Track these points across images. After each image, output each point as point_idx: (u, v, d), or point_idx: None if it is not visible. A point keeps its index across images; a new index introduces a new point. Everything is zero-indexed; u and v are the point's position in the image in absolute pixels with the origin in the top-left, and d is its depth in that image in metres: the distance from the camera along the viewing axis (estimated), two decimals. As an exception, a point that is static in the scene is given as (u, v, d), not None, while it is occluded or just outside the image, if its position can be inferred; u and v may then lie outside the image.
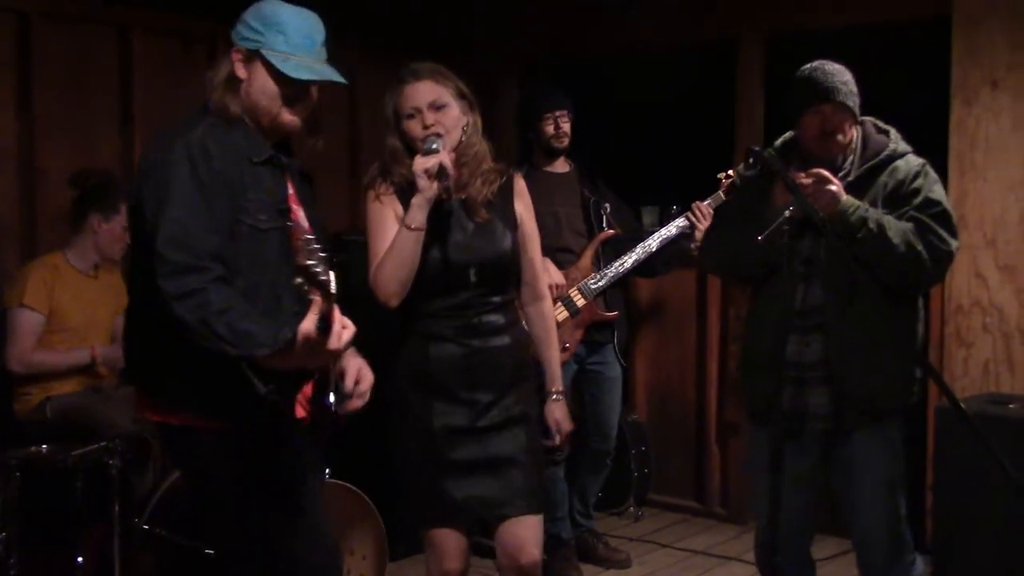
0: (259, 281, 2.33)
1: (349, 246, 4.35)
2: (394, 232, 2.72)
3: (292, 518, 2.45)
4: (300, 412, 2.46)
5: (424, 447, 2.79)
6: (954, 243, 2.86)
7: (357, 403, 2.53)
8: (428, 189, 2.64)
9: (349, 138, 5.44)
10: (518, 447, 2.79)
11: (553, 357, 2.97)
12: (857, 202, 2.83)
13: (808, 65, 2.93)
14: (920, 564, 3.06)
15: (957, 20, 4.18)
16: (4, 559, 3.26)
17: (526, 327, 2.97)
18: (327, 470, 3.62)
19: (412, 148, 2.74)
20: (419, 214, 2.67)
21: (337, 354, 2.21)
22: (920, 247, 2.80)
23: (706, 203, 4.22)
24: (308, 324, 2.10)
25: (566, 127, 4.29)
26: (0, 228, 4.26)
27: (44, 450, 3.36)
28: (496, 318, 2.80)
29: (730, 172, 4.28)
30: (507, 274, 2.84)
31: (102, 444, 3.28)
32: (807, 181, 2.79)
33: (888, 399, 2.94)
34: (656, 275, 4.61)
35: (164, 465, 3.59)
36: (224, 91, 2.39)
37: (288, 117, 2.42)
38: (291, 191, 2.49)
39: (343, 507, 3.60)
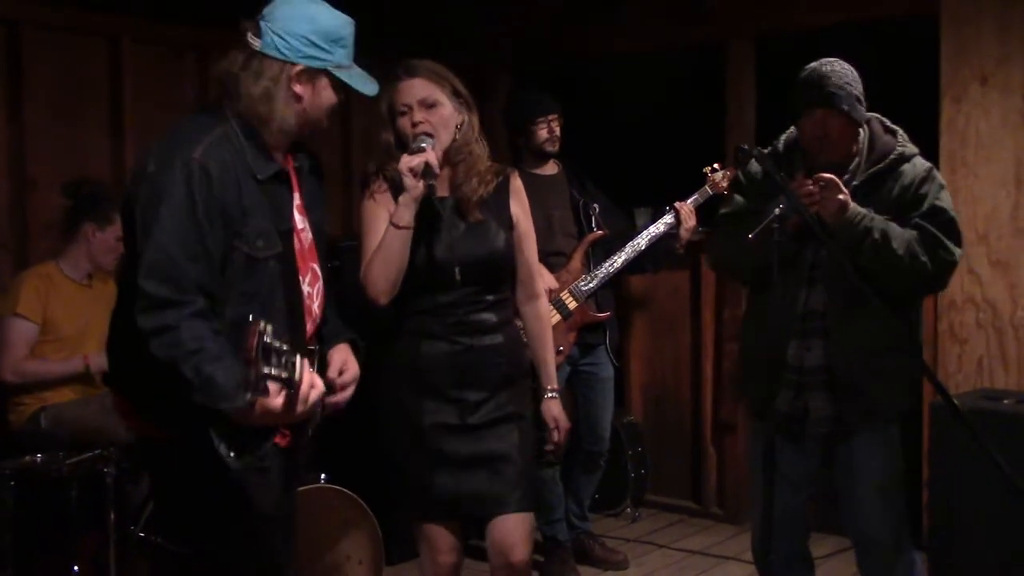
0: (247, 312, 2.17)
1: (343, 252, 4.35)
2: (384, 228, 2.72)
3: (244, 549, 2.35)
4: (280, 440, 2.35)
5: (415, 444, 2.79)
6: (958, 252, 2.86)
7: (339, 397, 2.46)
8: (414, 188, 2.64)
9: (342, 144, 5.45)
10: (510, 445, 2.79)
11: (548, 357, 2.97)
12: (862, 211, 2.81)
13: (812, 64, 2.90)
14: (920, 563, 3.07)
15: (945, 16, 4.19)
16: (0, 569, 3.25)
17: (521, 326, 2.97)
18: (323, 475, 3.62)
19: (405, 144, 2.74)
20: (406, 212, 2.67)
21: (302, 416, 2.15)
22: (924, 257, 2.80)
23: (689, 201, 4.27)
24: (272, 401, 2.06)
25: (558, 130, 4.32)
26: (-8, 238, 4.27)
27: (39, 459, 3.36)
28: (489, 316, 2.80)
29: (715, 165, 4.31)
30: (500, 273, 2.84)
31: (96, 452, 3.28)
32: (814, 188, 2.77)
33: (889, 403, 2.95)
34: (644, 272, 4.63)
35: (138, 461, 3.57)
36: (286, 113, 2.29)
37: (321, 126, 2.40)
38: (298, 201, 2.42)
39: (339, 511, 3.60)
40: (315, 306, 2.44)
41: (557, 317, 4.16)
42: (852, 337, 2.87)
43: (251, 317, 1.92)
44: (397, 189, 2.74)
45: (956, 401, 2.69)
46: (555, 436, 2.95)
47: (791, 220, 2.73)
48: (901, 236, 2.80)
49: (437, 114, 2.74)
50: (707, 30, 5.00)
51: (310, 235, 2.45)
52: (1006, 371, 4.09)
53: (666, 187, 4.77)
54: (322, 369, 2.46)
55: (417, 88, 2.74)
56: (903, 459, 3.04)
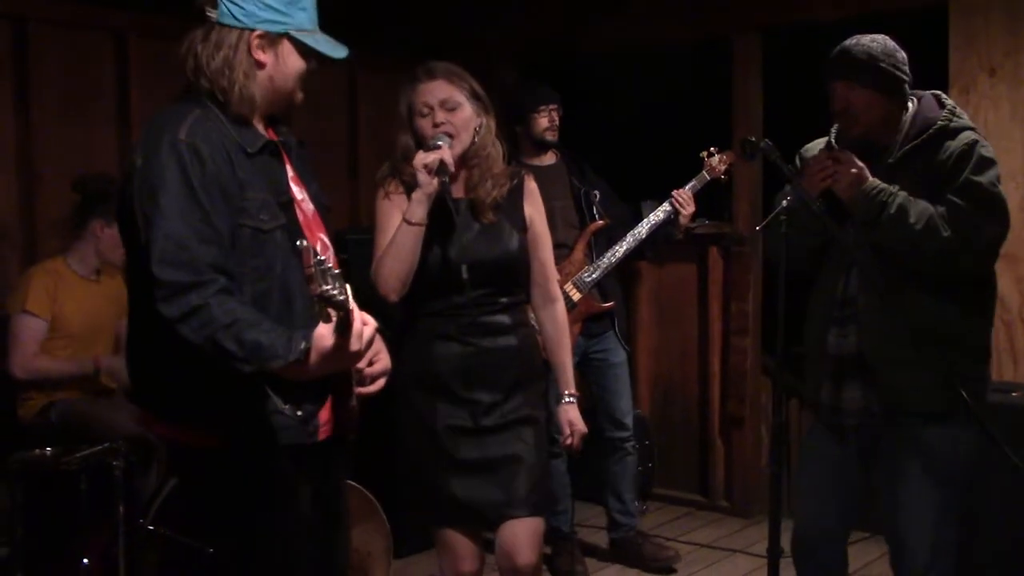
0: (268, 287, 2.17)
1: (350, 245, 4.35)
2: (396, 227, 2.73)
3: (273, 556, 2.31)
4: (324, 432, 2.31)
5: (428, 446, 2.79)
6: (991, 229, 2.64)
7: (371, 388, 2.39)
8: (427, 184, 2.64)
9: (348, 136, 5.46)
10: (521, 449, 2.78)
11: (566, 360, 2.95)
12: (881, 185, 2.70)
13: (849, 39, 2.80)
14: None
15: (953, 8, 4.19)
16: (10, 563, 3.26)
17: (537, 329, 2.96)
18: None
19: (423, 146, 2.74)
20: (419, 209, 2.67)
21: (360, 355, 2.03)
22: (947, 232, 2.62)
23: (687, 188, 4.30)
24: (323, 330, 1.95)
25: (557, 120, 4.33)
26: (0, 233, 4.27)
27: (48, 453, 3.35)
28: (502, 318, 2.79)
29: (712, 149, 4.32)
30: (513, 276, 2.83)
31: (105, 446, 3.27)
32: (827, 163, 2.73)
33: (924, 399, 2.72)
34: (643, 258, 4.63)
35: (168, 465, 3.58)
36: (247, 82, 2.20)
37: (299, 95, 2.32)
38: (291, 173, 2.35)
39: (348, 505, 3.60)
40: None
41: None
42: (884, 324, 2.71)
43: (299, 242, 1.89)
44: (411, 190, 2.73)
45: (964, 394, 2.62)
46: (569, 441, 2.93)
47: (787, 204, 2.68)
48: (923, 211, 2.65)
49: (458, 116, 2.74)
50: (713, 23, 4.99)
51: (311, 206, 2.39)
52: (1015, 364, 4.09)
53: (674, 181, 4.77)
54: None
55: (438, 90, 2.74)
56: (967, 469, 2.79)
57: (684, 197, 4.28)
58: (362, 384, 2.39)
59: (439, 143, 2.67)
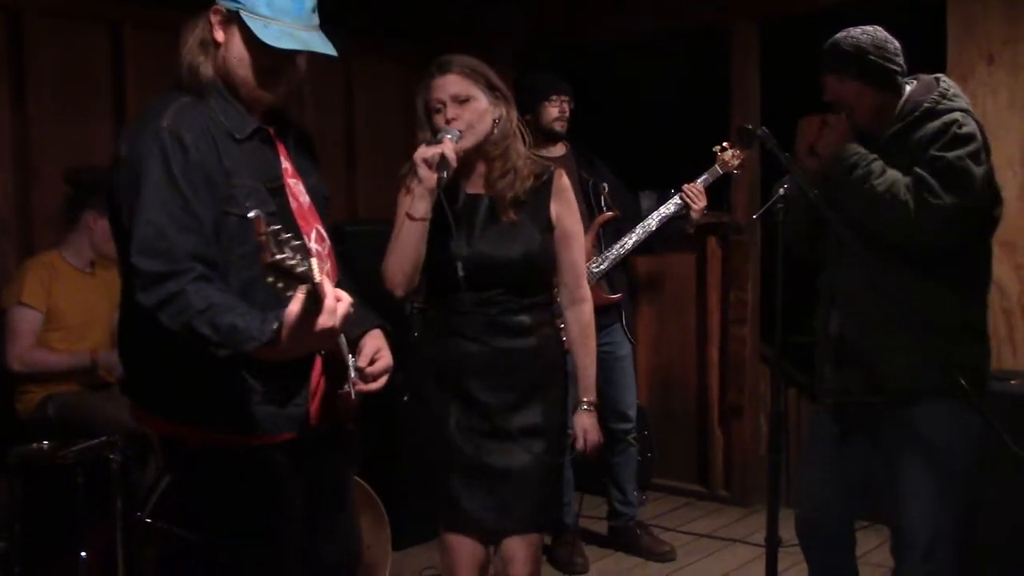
0: (255, 275, 2.11)
1: (348, 236, 4.34)
2: None
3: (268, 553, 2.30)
4: (315, 418, 2.29)
5: (438, 443, 2.74)
6: (949, 198, 2.62)
7: (372, 386, 2.37)
8: (427, 179, 2.59)
9: (345, 127, 5.44)
10: (528, 461, 2.71)
11: (588, 365, 2.87)
12: (859, 150, 2.75)
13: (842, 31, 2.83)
14: (952, 560, 2.84)
15: (951, -4, 4.18)
16: (8, 557, 3.26)
17: (564, 329, 2.90)
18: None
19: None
20: (420, 204, 2.63)
21: (334, 332, 1.95)
22: (906, 197, 2.64)
23: (699, 182, 4.26)
24: (294, 307, 1.88)
25: (568, 111, 4.32)
26: (-4, 227, 4.27)
27: (45, 447, 3.35)
28: (523, 319, 2.73)
29: (724, 144, 4.29)
30: (533, 275, 2.75)
31: (102, 440, 3.27)
32: (817, 123, 2.79)
33: (906, 380, 2.75)
34: (652, 252, 4.61)
35: (163, 461, 3.58)
36: (197, 54, 2.17)
37: (261, 92, 2.21)
38: (286, 164, 2.32)
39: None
40: (326, 266, 2.32)
41: None
42: (862, 306, 2.78)
43: (250, 213, 1.81)
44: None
45: (963, 382, 2.64)
46: (581, 446, 2.85)
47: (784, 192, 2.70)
48: (888, 177, 2.69)
49: (470, 109, 2.69)
50: (711, 13, 4.98)
51: (307, 197, 2.36)
52: (1014, 352, 4.08)
53: (672, 170, 4.76)
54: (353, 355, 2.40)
55: (450, 84, 2.69)
56: (970, 454, 2.78)
57: (695, 191, 4.23)
58: (364, 380, 2.37)
59: (444, 136, 2.63)
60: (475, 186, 2.76)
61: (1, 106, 4.25)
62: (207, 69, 2.19)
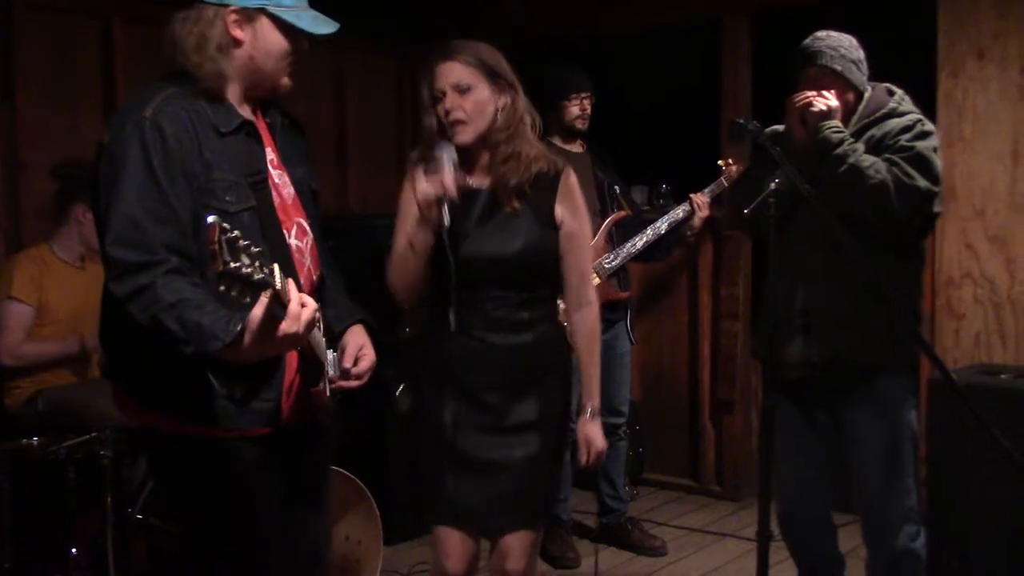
0: None
1: (338, 231, 4.33)
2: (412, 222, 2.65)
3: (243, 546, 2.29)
4: (290, 415, 2.28)
5: (435, 442, 2.72)
6: (923, 181, 2.84)
7: (352, 383, 2.37)
8: (429, 215, 2.55)
9: (336, 117, 5.41)
10: (525, 456, 2.68)
11: (594, 371, 2.83)
12: (839, 125, 2.90)
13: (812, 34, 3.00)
14: (922, 540, 3.04)
15: (942, -9, 4.18)
16: (-2, 553, 3.25)
17: (568, 330, 2.86)
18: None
19: (445, 130, 2.65)
20: (421, 235, 2.58)
21: (298, 337, 1.96)
22: (885, 176, 2.82)
23: (705, 192, 4.33)
24: (257, 311, 1.88)
25: (589, 108, 4.33)
26: (-16, 221, 4.25)
27: (35, 442, 3.34)
28: (521, 315, 2.68)
29: (730, 160, 4.33)
30: (532, 271, 2.70)
31: (93, 435, 3.26)
32: (810, 92, 2.89)
33: (866, 354, 2.93)
34: (654, 260, 4.64)
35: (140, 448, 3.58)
36: (218, 60, 2.17)
37: (286, 81, 2.27)
38: (271, 156, 2.30)
39: (338, 493, 3.58)
40: (306, 261, 2.34)
41: None
42: (827, 282, 2.92)
43: (209, 218, 1.77)
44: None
45: (953, 376, 2.69)
46: (584, 458, 2.80)
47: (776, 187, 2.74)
48: (870, 156, 2.87)
49: (470, 99, 2.63)
50: (702, 6, 4.98)
51: (292, 190, 2.35)
52: (1004, 346, 4.09)
53: (663, 165, 4.77)
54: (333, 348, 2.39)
55: (451, 72, 2.63)
56: (911, 427, 3.01)
57: (702, 201, 4.31)
58: (346, 378, 2.36)
59: (442, 160, 2.56)
60: (478, 175, 2.70)
61: (-10, 99, 4.25)
62: (230, 71, 2.20)
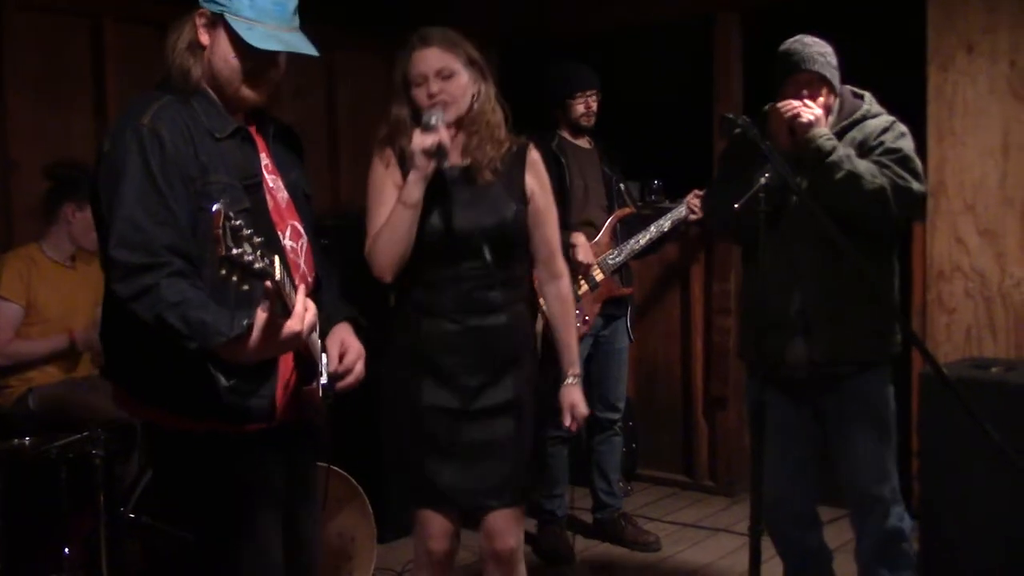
0: None
1: (330, 231, 4.32)
2: (391, 200, 2.67)
3: (237, 540, 2.30)
4: (283, 412, 2.30)
5: (413, 427, 2.75)
6: (916, 184, 2.95)
7: (349, 380, 2.39)
8: (425, 167, 2.59)
9: (327, 114, 5.40)
10: (504, 435, 2.73)
11: (571, 340, 2.87)
12: (829, 132, 2.98)
13: (790, 39, 3.05)
14: (908, 520, 3.16)
15: (931, -16, 4.19)
16: (-10, 553, 3.25)
17: (544, 306, 2.92)
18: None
19: (419, 116, 2.67)
20: (415, 191, 2.62)
21: (300, 337, 2.02)
22: (881, 180, 2.91)
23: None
24: (262, 312, 1.95)
25: (595, 107, 4.36)
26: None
27: (27, 442, 3.33)
28: (495, 295, 2.71)
29: None
30: (509, 244, 2.73)
31: (85, 434, 3.25)
32: (795, 102, 2.95)
33: (863, 350, 3.05)
34: (650, 254, 4.67)
35: (149, 452, 3.57)
36: (186, 57, 2.22)
37: (247, 92, 2.25)
38: (265, 161, 2.34)
39: (331, 490, 3.58)
40: (301, 262, 2.37)
41: (585, 288, 4.23)
42: (823, 280, 3.00)
43: (213, 207, 1.81)
44: (405, 161, 2.68)
45: (943, 367, 2.71)
46: (568, 422, 2.85)
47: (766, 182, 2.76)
48: (863, 161, 2.95)
49: (453, 84, 2.67)
50: (693, 2, 4.98)
51: (285, 194, 2.39)
52: (994, 340, 4.10)
53: (655, 161, 4.78)
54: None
55: (432, 58, 2.67)
56: (895, 417, 3.14)
57: (698, 203, 4.35)
58: (336, 378, 2.39)
59: (433, 120, 2.61)
60: (452, 157, 2.72)
61: (-20, 100, 4.23)
62: (196, 71, 2.23)
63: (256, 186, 2.28)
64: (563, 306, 2.88)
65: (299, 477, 2.47)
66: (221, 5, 2.19)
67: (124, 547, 3.39)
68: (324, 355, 2.39)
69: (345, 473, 3.62)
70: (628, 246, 4.33)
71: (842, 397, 3.08)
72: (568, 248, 4.12)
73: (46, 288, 3.91)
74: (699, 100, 4.98)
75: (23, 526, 3.29)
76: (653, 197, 4.87)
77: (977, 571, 3.45)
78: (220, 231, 1.79)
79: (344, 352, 2.41)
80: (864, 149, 3.00)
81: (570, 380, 2.86)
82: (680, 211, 4.38)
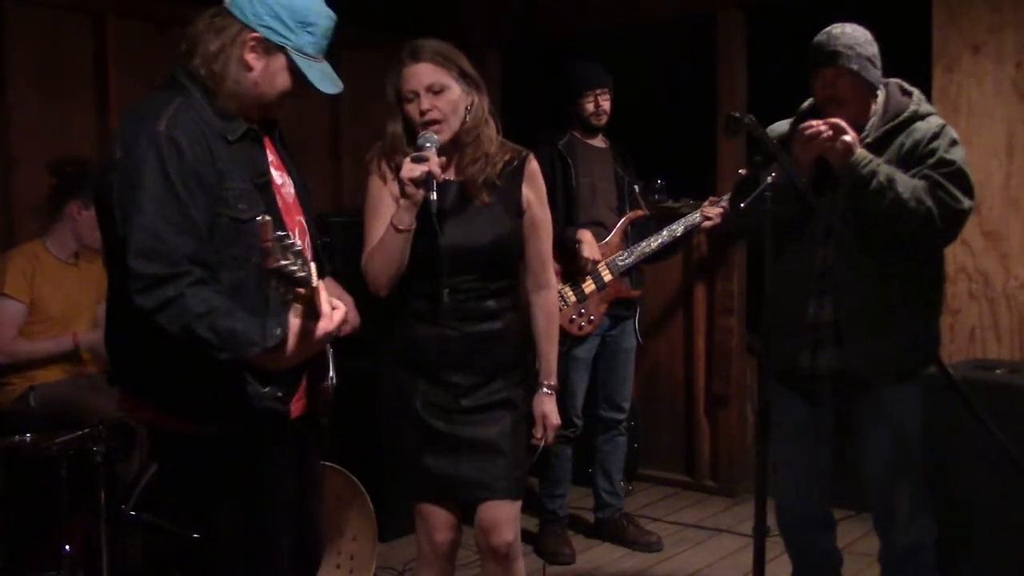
0: (244, 277, 2.18)
1: (333, 227, 4.32)
2: (388, 213, 2.68)
3: (257, 541, 2.32)
4: (296, 409, 2.34)
5: (410, 425, 2.77)
6: (967, 202, 2.80)
7: (347, 329, 2.36)
8: (414, 195, 2.59)
9: (330, 118, 5.40)
10: (500, 432, 2.76)
11: (551, 350, 2.89)
12: (869, 155, 2.81)
13: (826, 28, 2.91)
14: (934, 530, 3.06)
15: (937, -16, 4.17)
16: (-10, 550, 3.24)
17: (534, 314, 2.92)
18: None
19: (413, 132, 2.68)
20: (406, 216, 2.62)
21: (329, 337, 2.06)
22: (930, 203, 2.76)
23: (723, 200, 4.33)
24: (294, 318, 2.00)
25: (605, 105, 4.34)
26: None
27: (27, 439, 3.32)
28: (490, 304, 2.75)
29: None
30: (502, 261, 2.76)
31: (85, 432, 3.24)
32: (823, 127, 2.79)
33: (897, 362, 2.92)
34: (662, 260, 4.67)
35: (150, 451, 3.56)
36: (230, 67, 2.22)
37: (275, 109, 2.34)
38: (272, 158, 2.37)
39: (333, 489, 3.58)
40: (309, 259, 2.39)
41: (592, 287, 4.23)
42: (857, 290, 2.87)
43: (258, 217, 1.86)
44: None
45: (950, 371, 2.69)
46: (539, 433, 2.87)
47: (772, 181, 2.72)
48: (907, 182, 2.78)
49: (445, 99, 2.66)
50: (696, 1, 4.96)
51: (292, 190, 2.41)
52: (998, 341, 4.09)
53: (658, 159, 4.76)
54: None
55: (423, 73, 2.66)
56: (923, 426, 3.04)
57: (713, 212, 4.34)
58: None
59: (427, 146, 2.60)
60: (446, 172, 2.73)
61: (-18, 94, 4.22)
62: (233, 85, 2.24)
63: (266, 185, 2.29)
64: (547, 319, 2.90)
65: (307, 470, 2.49)
66: (284, 38, 2.23)
67: (124, 545, 3.38)
68: (330, 349, 2.42)
69: (347, 472, 3.61)
70: (639, 248, 4.31)
71: (869, 406, 2.97)
72: (574, 244, 4.12)
73: (49, 286, 3.90)
74: (703, 97, 4.96)
75: (23, 523, 3.28)
76: (656, 196, 4.88)
77: (984, 574, 3.43)
78: (269, 243, 1.83)
79: (335, 307, 2.40)
80: (913, 157, 2.85)
81: (544, 390, 2.88)
82: (694, 217, 4.35)
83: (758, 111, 3.12)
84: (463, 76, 2.71)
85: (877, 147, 2.88)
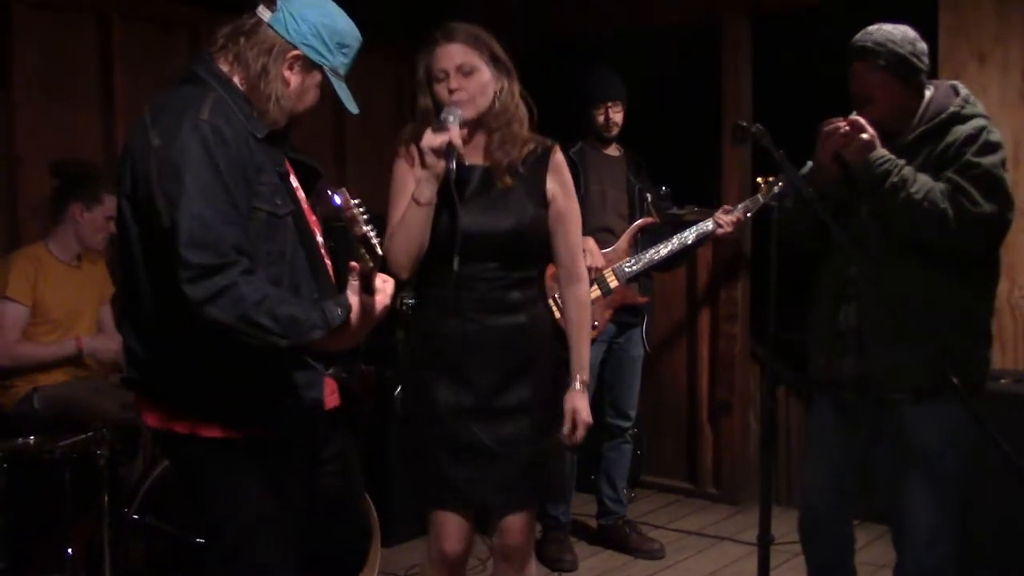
0: (279, 272, 2.18)
1: (335, 232, 4.31)
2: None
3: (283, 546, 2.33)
4: (331, 401, 2.36)
5: (431, 426, 2.73)
6: (988, 207, 2.68)
7: (381, 298, 2.26)
8: (434, 165, 2.59)
9: (335, 124, 5.39)
10: (520, 436, 2.71)
11: (583, 345, 2.82)
12: (888, 155, 2.75)
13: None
14: (954, 548, 2.91)
15: (943, -7, 4.17)
16: (-6, 552, 3.23)
17: (560, 307, 2.90)
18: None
19: (436, 119, 2.67)
20: (427, 189, 2.61)
21: (384, 312, 2.17)
22: (945, 205, 2.68)
23: (739, 207, 4.33)
24: (353, 296, 2.08)
25: (617, 117, 4.35)
26: (-20, 218, 4.23)
27: (31, 442, 3.32)
28: (514, 295, 2.71)
29: (770, 178, 4.31)
30: (524, 248, 2.72)
31: (89, 435, 3.24)
32: (842, 125, 2.76)
33: (920, 375, 2.78)
34: (674, 269, 4.68)
35: (153, 454, 3.56)
36: (284, 92, 2.27)
37: (296, 123, 2.39)
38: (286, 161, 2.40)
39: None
40: (327, 259, 2.43)
41: (596, 292, 4.22)
42: (881, 299, 2.77)
43: (336, 198, 1.98)
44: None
45: (954, 380, 2.65)
46: (568, 430, 2.79)
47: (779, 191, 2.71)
48: (924, 183, 2.71)
49: (474, 80, 2.66)
50: (703, 7, 4.97)
51: (302, 194, 2.43)
52: (1003, 351, 4.08)
53: (664, 166, 4.76)
54: None
55: (454, 54, 2.66)
56: (965, 450, 2.84)
57: (725, 220, 4.32)
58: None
59: (449, 120, 2.60)
60: (473, 156, 2.72)
61: (-13, 94, 4.22)
62: (269, 91, 2.28)
63: (292, 189, 2.34)
64: (580, 311, 2.84)
65: (345, 461, 2.55)
66: (323, 58, 2.30)
67: (127, 548, 3.38)
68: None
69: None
70: (647, 255, 4.30)
71: (891, 423, 2.87)
72: None
73: (52, 288, 3.89)
74: (708, 105, 4.96)
75: (26, 526, 3.28)
76: (661, 203, 4.86)
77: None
78: (352, 212, 1.94)
79: (385, 280, 2.44)
80: (945, 160, 2.75)
81: (576, 386, 2.81)
82: (706, 225, 4.33)
83: (763, 119, 3.12)
84: (494, 60, 2.70)
85: (911, 149, 2.81)
